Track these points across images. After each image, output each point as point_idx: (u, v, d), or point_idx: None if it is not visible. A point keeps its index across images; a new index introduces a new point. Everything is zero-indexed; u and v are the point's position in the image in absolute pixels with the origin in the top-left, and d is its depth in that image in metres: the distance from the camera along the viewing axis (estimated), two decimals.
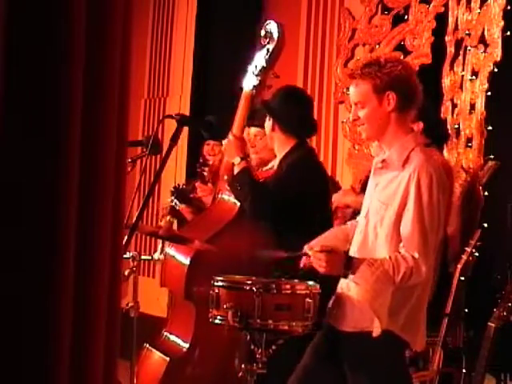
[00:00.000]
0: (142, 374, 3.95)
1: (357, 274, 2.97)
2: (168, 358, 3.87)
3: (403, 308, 3.04)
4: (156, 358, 3.96)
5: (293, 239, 3.91)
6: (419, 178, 2.99)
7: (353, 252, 3.16)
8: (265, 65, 4.15)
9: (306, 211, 3.99)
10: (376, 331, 3.00)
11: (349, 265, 2.99)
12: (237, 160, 4.03)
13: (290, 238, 3.93)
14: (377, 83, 3.07)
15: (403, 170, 3.05)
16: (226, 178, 4.10)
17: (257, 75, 4.15)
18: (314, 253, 3.05)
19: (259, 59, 4.18)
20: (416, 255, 2.95)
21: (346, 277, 3.03)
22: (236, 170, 4.04)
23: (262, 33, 4.22)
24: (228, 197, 4.10)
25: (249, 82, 4.18)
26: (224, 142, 4.13)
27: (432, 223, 2.99)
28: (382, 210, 3.07)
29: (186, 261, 3.88)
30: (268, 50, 4.18)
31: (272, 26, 4.19)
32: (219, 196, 4.16)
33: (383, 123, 3.11)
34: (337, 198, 4.95)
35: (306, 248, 3.16)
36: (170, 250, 3.96)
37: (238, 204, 4.02)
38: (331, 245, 3.11)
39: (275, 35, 4.17)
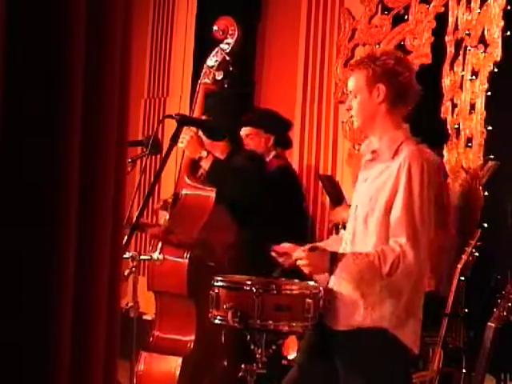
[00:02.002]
0: (153, 381, 3.95)
1: (340, 267, 2.97)
2: (180, 358, 3.88)
3: (396, 306, 3.03)
4: (164, 361, 3.95)
5: (260, 230, 4.02)
6: (410, 165, 2.99)
7: (343, 250, 3.16)
8: (227, 58, 4.19)
9: (277, 204, 4.09)
10: (355, 322, 3.01)
11: (333, 261, 2.99)
12: (204, 154, 4.10)
13: (258, 229, 4.03)
14: (369, 74, 3.11)
15: (393, 161, 3.05)
16: (186, 178, 4.14)
17: (217, 69, 4.19)
18: (296, 254, 3.05)
19: (219, 53, 4.21)
20: (403, 240, 2.94)
21: (332, 273, 3.03)
22: (206, 164, 4.09)
23: (216, 28, 4.26)
24: (194, 192, 4.12)
25: (208, 76, 4.22)
26: (183, 139, 4.12)
27: (421, 211, 2.98)
28: (373, 201, 3.06)
29: (185, 259, 3.91)
30: (228, 44, 4.22)
31: (227, 22, 4.24)
32: (183, 193, 4.16)
33: (372, 114, 3.14)
34: (333, 216, 5.00)
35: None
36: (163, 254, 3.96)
37: (212, 196, 4.05)
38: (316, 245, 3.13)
39: (233, 29, 4.21)
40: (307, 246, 3.09)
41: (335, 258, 3.00)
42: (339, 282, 3.08)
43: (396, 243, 2.95)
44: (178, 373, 3.87)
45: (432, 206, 3.04)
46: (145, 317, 5.34)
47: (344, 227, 4.90)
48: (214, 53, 4.25)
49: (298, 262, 3.05)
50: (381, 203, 3.03)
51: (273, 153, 4.82)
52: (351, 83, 3.19)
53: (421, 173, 2.99)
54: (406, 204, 2.97)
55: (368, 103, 3.13)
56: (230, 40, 4.23)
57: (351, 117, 3.24)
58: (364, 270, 2.95)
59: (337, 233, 5.19)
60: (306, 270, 3.05)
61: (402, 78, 3.11)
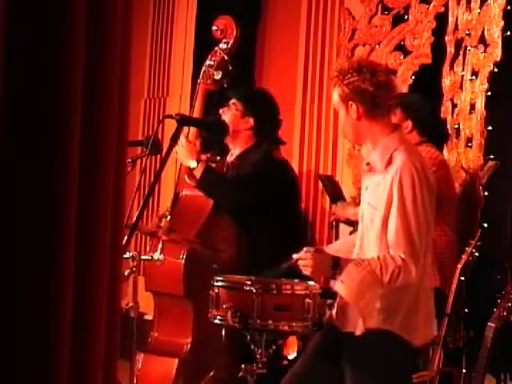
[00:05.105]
0: (149, 382, 3.95)
1: (343, 273, 2.97)
2: (176, 359, 3.88)
3: (399, 308, 3.04)
4: (161, 363, 3.95)
5: (257, 231, 3.99)
6: (401, 179, 2.98)
7: (354, 255, 3.17)
8: (226, 58, 4.18)
9: (272, 205, 4.05)
10: (359, 329, 3.01)
11: (336, 265, 2.99)
12: (193, 164, 4.00)
13: (255, 230, 4.01)
14: (340, 93, 3.13)
15: (387, 173, 3.04)
16: (186, 178, 4.12)
17: (216, 69, 4.18)
18: (300, 254, 3.06)
19: (217, 53, 4.21)
20: (402, 256, 2.94)
21: (333, 277, 3.03)
22: (198, 174, 4.01)
23: (214, 27, 4.25)
24: (194, 192, 4.11)
25: (207, 76, 4.21)
26: (179, 144, 4.08)
27: (417, 223, 2.97)
28: (372, 213, 3.08)
29: (181, 259, 3.91)
30: (227, 43, 4.21)
31: (226, 21, 4.23)
32: (183, 193, 4.15)
33: (355, 129, 3.15)
34: (337, 211, 4.97)
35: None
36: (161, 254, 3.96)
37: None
38: (320, 248, 3.15)
39: (232, 29, 4.20)
40: (313, 248, 3.09)
41: (338, 264, 3.00)
42: (338, 285, 3.08)
43: (396, 253, 2.96)
44: (173, 374, 3.88)
45: (429, 212, 3.03)
46: (145, 317, 5.34)
47: (348, 224, 4.90)
48: (212, 52, 4.25)
49: (301, 262, 3.05)
50: (378, 217, 3.04)
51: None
52: (333, 98, 3.21)
53: (412, 184, 2.98)
54: (401, 217, 2.97)
55: (348, 120, 3.15)
56: (229, 39, 4.22)
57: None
58: (366, 278, 2.95)
59: (333, 228, 5.20)
60: (307, 271, 3.05)
61: (369, 92, 3.08)
